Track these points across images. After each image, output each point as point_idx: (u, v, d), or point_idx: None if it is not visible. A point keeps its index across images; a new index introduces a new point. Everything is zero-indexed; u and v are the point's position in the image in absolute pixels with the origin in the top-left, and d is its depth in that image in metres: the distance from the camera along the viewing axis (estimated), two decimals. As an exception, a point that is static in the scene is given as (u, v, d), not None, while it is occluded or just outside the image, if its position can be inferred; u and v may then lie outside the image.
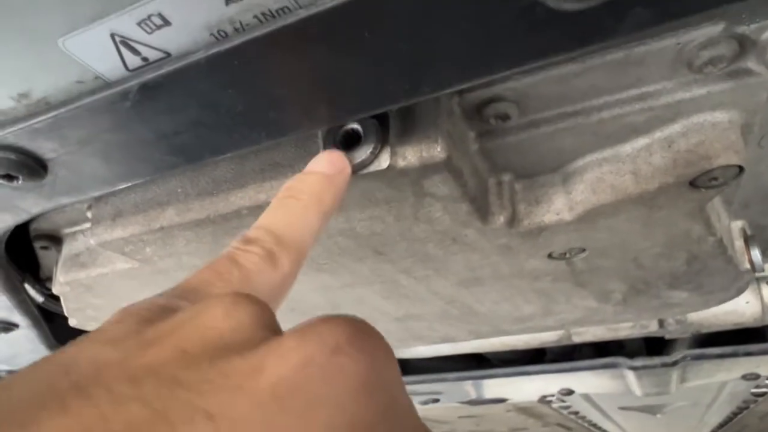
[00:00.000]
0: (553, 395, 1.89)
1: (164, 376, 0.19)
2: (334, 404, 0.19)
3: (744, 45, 0.43)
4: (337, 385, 0.20)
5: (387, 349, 0.23)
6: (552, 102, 0.49)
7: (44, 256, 0.79)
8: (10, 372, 1.27)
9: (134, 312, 0.26)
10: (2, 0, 0.32)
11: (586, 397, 2.08)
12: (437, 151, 0.46)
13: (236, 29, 0.34)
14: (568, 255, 0.65)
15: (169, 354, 0.21)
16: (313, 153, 0.51)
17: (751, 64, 0.45)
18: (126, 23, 0.34)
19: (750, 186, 0.66)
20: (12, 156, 0.45)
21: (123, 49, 0.36)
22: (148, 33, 0.35)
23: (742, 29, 0.42)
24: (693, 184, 0.51)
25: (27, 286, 0.89)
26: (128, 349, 0.22)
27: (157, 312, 0.26)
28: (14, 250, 0.80)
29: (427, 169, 0.47)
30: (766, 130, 0.55)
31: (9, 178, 0.47)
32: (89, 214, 0.61)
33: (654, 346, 1.51)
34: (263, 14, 0.33)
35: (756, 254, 0.73)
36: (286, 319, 0.88)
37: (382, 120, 0.47)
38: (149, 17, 0.33)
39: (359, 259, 0.65)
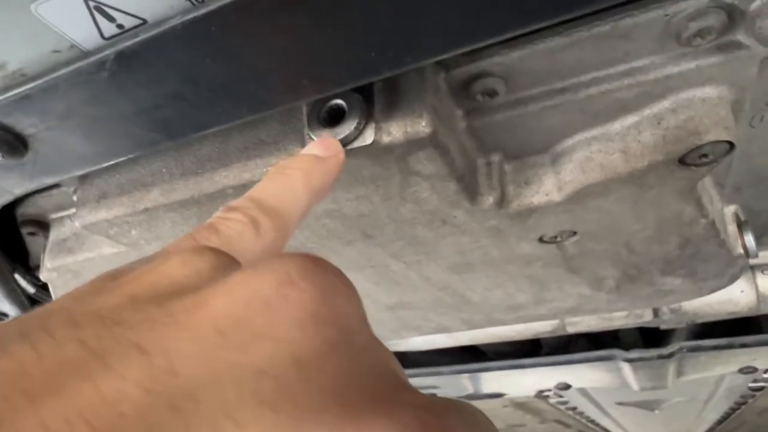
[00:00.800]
0: (549, 390, 1.89)
1: (107, 318, 0.19)
2: (278, 337, 0.18)
3: (733, 16, 0.43)
4: (282, 317, 0.19)
5: (346, 285, 0.22)
6: (540, 78, 0.49)
7: (32, 242, 0.79)
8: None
9: (107, 272, 0.26)
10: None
11: (583, 392, 2.07)
12: (422, 126, 0.45)
13: (213, -7, 0.34)
14: (558, 238, 0.65)
15: (117, 300, 0.21)
16: (297, 130, 0.50)
17: (740, 36, 0.44)
18: (99, -13, 0.33)
19: (742, 168, 0.65)
20: (-9, 131, 0.44)
21: (97, 15, 0.35)
22: (123, -2, 0.34)
23: (730, 0, 0.41)
24: (683, 161, 0.50)
25: (17, 277, 0.89)
26: (82, 298, 0.22)
27: (126, 271, 0.25)
28: (3, 241, 0.80)
29: (412, 145, 0.46)
30: (757, 109, 0.55)
31: (-12, 154, 0.46)
32: (75, 197, 0.61)
33: (650, 339, 1.51)
34: (239, -23, 0.33)
35: (749, 239, 0.72)
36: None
37: (367, 95, 0.46)
38: (123, -19, 0.33)
39: (348, 243, 0.64)
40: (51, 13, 0.35)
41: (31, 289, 0.92)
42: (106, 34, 0.36)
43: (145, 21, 0.35)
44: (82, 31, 0.36)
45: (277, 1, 0.34)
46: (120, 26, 0.36)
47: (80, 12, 0.35)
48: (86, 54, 0.38)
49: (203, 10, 0.34)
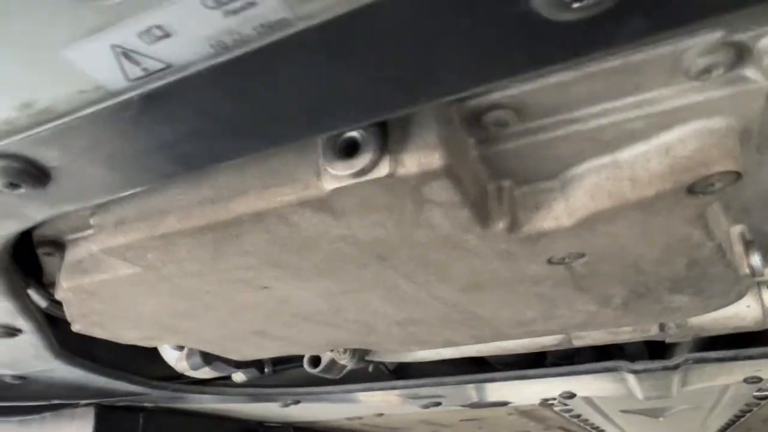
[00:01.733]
0: (554, 398, 1.89)
1: None
2: None
3: (741, 52, 0.44)
4: None
5: None
6: (550, 109, 0.50)
7: (48, 262, 0.80)
8: (14, 376, 1.27)
9: None
10: (5, 10, 0.33)
11: (588, 401, 2.08)
12: (436, 158, 0.46)
13: (235, 40, 0.35)
14: (567, 260, 0.65)
15: None
16: (313, 161, 0.51)
17: (748, 71, 0.45)
18: (126, 35, 0.34)
19: (749, 191, 0.66)
20: (15, 164, 0.45)
21: (123, 60, 0.36)
22: (149, 44, 0.35)
23: (739, 37, 0.42)
24: (691, 190, 0.51)
25: (31, 292, 0.90)
26: None
27: None
28: (18, 255, 0.81)
29: (426, 176, 0.47)
30: (764, 135, 0.56)
31: (12, 186, 0.47)
32: (92, 221, 0.62)
33: (655, 350, 1.51)
34: (261, 26, 0.34)
35: (756, 259, 0.73)
36: (290, 323, 0.88)
37: (382, 127, 0.47)
38: (149, 29, 0.34)
39: (362, 266, 0.65)
40: (79, 57, 0.36)
41: (43, 303, 0.93)
42: (131, 77, 0.38)
43: (169, 65, 0.37)
44: (108, 73, 0.37)
45: (297, 47, 0.35)
46: (145, 69, 0.37)
47: (107, 56, 0.36)
48: (111, 94, 0.39)
49: (227, 57, 0.35)
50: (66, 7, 0.32)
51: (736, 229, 0.75)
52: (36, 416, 1.63)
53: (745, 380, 1.62)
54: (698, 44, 0.43)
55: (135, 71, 0.37)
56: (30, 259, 0.83)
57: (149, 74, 0.37)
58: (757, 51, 0.43)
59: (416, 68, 0.36)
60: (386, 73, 0.37)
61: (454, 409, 2.07)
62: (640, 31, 0.34)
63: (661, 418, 2.54)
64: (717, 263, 0.68)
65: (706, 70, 0.44)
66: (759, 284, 0.97)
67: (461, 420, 2.43)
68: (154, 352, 1.36)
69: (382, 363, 1.58)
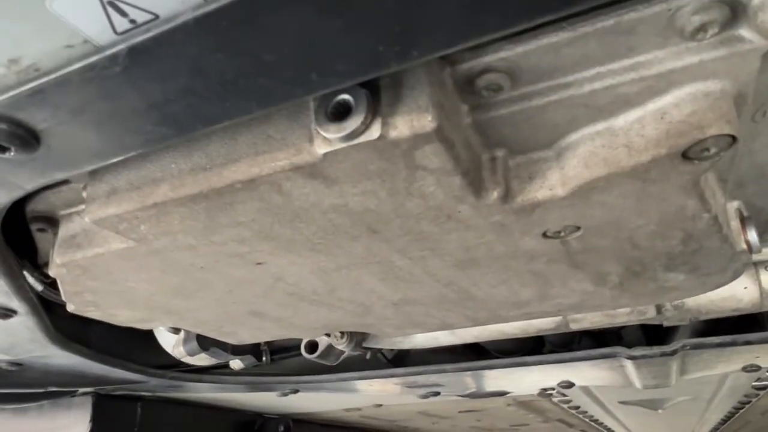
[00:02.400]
0: (553, 388, 1.89)
1: None
2: None
3: (735, 10, 0.43)
4: None
5: None
6: (544, 73, 0.49)
7: (41, 239, 0.79)
8: (10, 362, 1.27)
9: None
10: (-10, -40, 0.32)
11: (587, 391, 2.07)
12: (428, 120, 0.46)
13: (224, -11, 0.34)
14: (562, 233, 0.65)
15: None
16: (305, 125, 0.51)
17: (743, 31, 0.45)
18: (113, -18, 0.34)
19: (745, 164, 0.66)
20: (3, 126, 0.45)
21: (111, 10, 0.36)
22: (136, -7, 0.35)
23: (732, -6, 0.42)
24: (685, 155, 0.51)
25: (26, 273, 0.89)
26: None
27: None
28: (12, 235, 0.81)
29: (418, 139, 0.47)
30: (759, 104, 0.55)
31: (1, 149, 0.47)
32: (84, 193, 0.61)
33: (653, 337, 1.51)
34: (250, -28, 0.33)
35: (753, 234, 0.73)
36: (286, 303, 0.88)
37: (373, 91, 0.47)
38: (136, -24, 0.34)
39: (354, 238, 0.65)
40: (65, 9, 0.35)
41: (39, 287, 0.93)
42: (119, 29, 0.37)
43: (157, 16, 0.36)
44: (95, 26, 0.37)
45: (287, -4, 0.34)
46: (132, 21, 0.37)
47: (94, 7, 0.35)
48: (99, 49, 0.38)
49: (214, 5, 0.35)
50: (51, -48, 0.32)
51: (733, 205, 0.75)
52: (33, 404, 1.63)
53: (744, 368, 1.61)
54: (692, 2, 0.42)
55: (122, 23, 0.37)
56: (25, 241, 0.83)
57: (137, 26, 0.37)
58: (752, 8, 0.42)
59: (406, 21, 0.36)
60: (375, 26, 0.36)
61: (452, 400, 2.07)
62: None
63: (660, 410, 2.54)
64: (713, 237, 0.67)
65: (701, 29, 0.44)
66: (756, 265, 0.97)
67: (460, 411, 2.43)
68: (151, 340, 1.36)
69: (380, 351, 1.58)
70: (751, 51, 0.46)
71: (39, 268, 0.89)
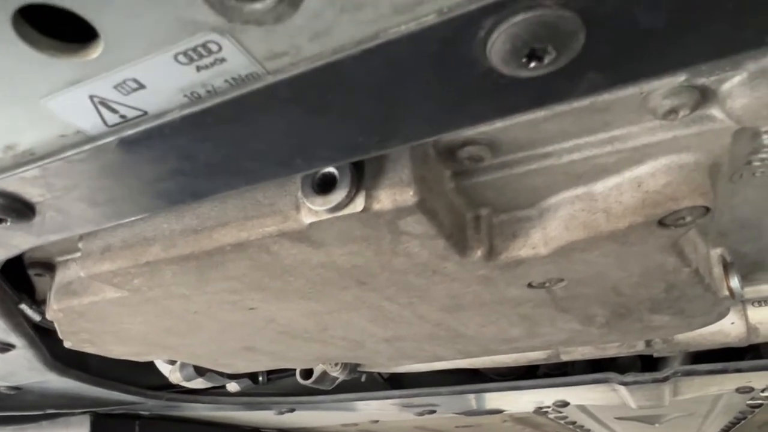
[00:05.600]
0: (548, 406, 1.90)
1: None
2: None
3: (705, 94, 0.45)
4: None
5: None
6: (523, 145, 0.51)
7: (39, 281, 0.81)
8: (9, 387, 1.29)
9: None
10: (-14, 64, 0.34)
11: (582, 408, 2.08)
12: (410, 195, 0.47)
13: (209, 92, 0.36)
14: (547, 284, 0.67)
15: None
16: (292, 193, 0.52)
17: (713, 111, 0.46)
18: (103, 87, 0.35)
19: (726, 217, 0.67)
20: (0, 200, 0.46)
21: (101, 108, 0.37)
22: (125, 95, 0.36)
23: (702, 81, 0.43)
24: (662, 223, 0.52)
25: (23, 307, 0.91)
26: None
27: None
28: (10, 273, 0.82)
29: (401, 212, 0.48)
30: (736, 167, 0.57)
31: (-2, 220, 0.49)
32: (80, 246, 0.63)
33: (647, 360, 1.52)
34: (233, 79, 0.35)
35: (735, 281, 0.74)
36: (278, 340, 0.89)
37: (357, 163, 0.48)
38: (124, 81, 0.35)
39: (343, 288, 0.66)
40: (59, 107, 0.37)
41: (36, 317, 0.95)
42: (110, 123, 0.39)
43: (146, 112, 0.38)
44: (87, 120, 0.38)
45: (269, 98, 0.36)
46: (122, 116, 0.38)
47: (85, 106, 0.37)
48: (91, 138, 0.40)
49: (200, 106, 0.36)
50: (45, 62, 0.33)
51: (716, 252, 0.76)
52: (32, 424, 1.64)
53: (737, 390, 1.62)
54: (663, 86, 0.44)
55: (113, 118, 0.39)
56: (21, 275, 0.84)
57: (127, 120, 0.39)
58: (721, 94, 0.44)
59: (384, 117, 0.38)
60: (356, 122, 0.38)
61: (449, 417, 2.08)
62: (597, 85, 0.35)
63: (657, 425, 2.55)
64: (695, 287, 0.69)
65: (673, 111, 0.45)
66: (743, 301, 0.98)
67: (456, 426, 2.44)
68: (148, 361, 1.38)
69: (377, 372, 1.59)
70: (722, 129, 0.47)
71: (36, 301, 0.91)
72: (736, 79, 0.43)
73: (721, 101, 0.44)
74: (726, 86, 0.43)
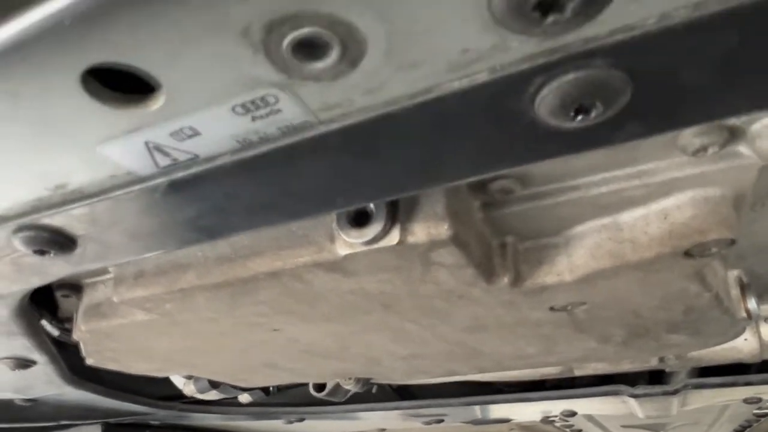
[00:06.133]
0: (556, 416, 1.91)
1: None
2: None
3: (735, 133, 0.46)
4: None
5: None
6: (552, 178, 0.52)
7: (64, 301, 0.82)
8: (24, 400, 1.29)
9: None
10: (48, 112, 0.35)
11: (589, 417, 2.09)
12: (444, 229, 0.48)
13: (261, 138, 0.37)
14: (569, 308, 0.68)
15: None
16: (327, 224, 0.54)
17: (741, 148, 0.48)
18: (159, 134, 0.37)
19: (745, 242, 0.68)
20: (44, 234, 0.48)
21: (155, 153, 0.39)
22: (179, 141, 0.37)
23: (732, 121, 0.44)
24: (688, 253, 0.53)
25: (44, 323, 0.92)
26: None
27: None
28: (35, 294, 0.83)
29: (434, 244, 0.50)
30: (758, 197, 0.58)
31: (40, 252, 0.50)
32: (111, 270, 0.64)
33: (656, 373, 1.53)
34: (286, 127, 0.36)
35: (752, 303, 0.75)
36: (299, 358, 0.90)
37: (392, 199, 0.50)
38: (181, 129, 0.36)
39: (367, 312, 0.67)
40: (114, 152, 0.38)
41: (55, 332, 0.96)
42: (161, 165, 0.40)
43: (197, 156, 0.39)
44: (139, 163, 0.40)
45: (318, 146, 0.37)
46: (174, 159, 0.39)
47: (139, 150, 0.38)
48: (141, 179, 0.41)
49: (252, 152, 0.38)
50: (107, 112, 0.34)
51: (733, 273, 0.77)
52: (44, 435, 1.65)
53: (745, 401, 1.63)
54: (693, 126, 0.45)
55: (164, 160, 0.40)
56: (41, 289, 0.85)
57: (177, 163, 0.40)
58: (750, 133, 0.45)
59: (429, 162, 0.39)
60: (402, 166, 0.39)
61: (456, 426, 2.09)
62: (636, 134, 0.36)
63: (662, 432, 2.56)
64: (714, 310, 0.70)
65: (702, 148, 0.46)
66: (756, 319, 0.99)
67: (463, 434, 2.44)
68: (161, 373, 1.39)
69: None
70: (749, 165, 0.48)
71: (56, 316, 0.92)
72: (766, 119, 0.44)
73: (750, 140, 0.46)
74: (756, 126, 0.44)
